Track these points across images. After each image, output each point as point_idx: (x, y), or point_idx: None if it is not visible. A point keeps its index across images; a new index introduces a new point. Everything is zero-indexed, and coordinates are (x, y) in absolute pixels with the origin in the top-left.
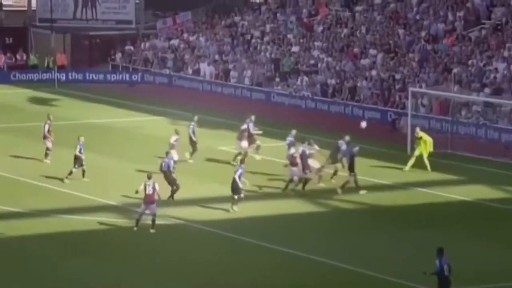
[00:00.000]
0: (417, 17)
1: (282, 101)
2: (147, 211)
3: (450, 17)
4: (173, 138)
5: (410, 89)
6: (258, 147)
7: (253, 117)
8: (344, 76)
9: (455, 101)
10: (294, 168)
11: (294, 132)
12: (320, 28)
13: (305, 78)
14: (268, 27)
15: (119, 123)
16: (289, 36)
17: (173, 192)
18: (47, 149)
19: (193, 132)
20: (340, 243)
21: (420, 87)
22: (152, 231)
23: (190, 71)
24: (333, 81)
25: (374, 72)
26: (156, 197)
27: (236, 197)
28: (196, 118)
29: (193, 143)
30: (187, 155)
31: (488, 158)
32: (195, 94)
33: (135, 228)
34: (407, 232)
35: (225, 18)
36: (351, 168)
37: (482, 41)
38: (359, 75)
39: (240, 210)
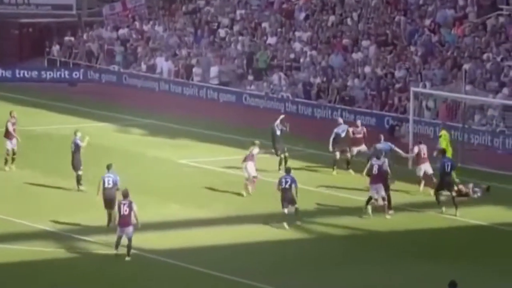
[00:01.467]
0: (420, 1)
1: (256, 103)
2: (123, 235)
3: (461, 1)
4: (255, 151)
5: (412, 89)
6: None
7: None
8: (332, 73)
9: (466, 104)
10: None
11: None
12: (302, 15)
13: (284, 76)
14: (238, 13)
15: (57, 130)
16: (265, 24)
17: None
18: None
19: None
20: (327, 277)
21: (424, 86)
22: (127, 259)
23: (143, 67)
24: (318, 80)
25: (368, 69)
26: (133, 219)
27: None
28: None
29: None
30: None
31: (506, 173)
32: (149, 95)
33: (115, 251)
34: (407, 263)
35: (186, 2)
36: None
37: (500, 30)
38: (350, 72)
39: (206, 237)
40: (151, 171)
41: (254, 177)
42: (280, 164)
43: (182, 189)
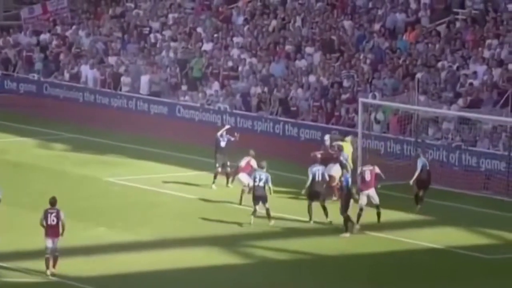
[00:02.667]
0: (369, 4)
1: (191, 116)
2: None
3: (413, 5)
4: (250, 161)
5: (361, 99)
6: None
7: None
8: (274, 83)
9: (419, 116)
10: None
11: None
12: (241, 19)
13: (219, 86)
14: (171, 17)
15: None
16: (200, 29)
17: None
18: None
19: None
20: None
21: (374, 97)
22: (53, 271)
23: (66, 76)
24: (258, 90)
25: (312, 78)
26: (60, 229)
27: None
28: None
29: None
30: None
31: (463, 191)
32: (73, 106)
33: (48, 273)
34: None
35: (113, 5)
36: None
37: (455, 36)
38: (293, 82)
39: (133, 263)
40: (75, 191)
41: (244, 186)
42: (227, 180)
43: (109, 210)
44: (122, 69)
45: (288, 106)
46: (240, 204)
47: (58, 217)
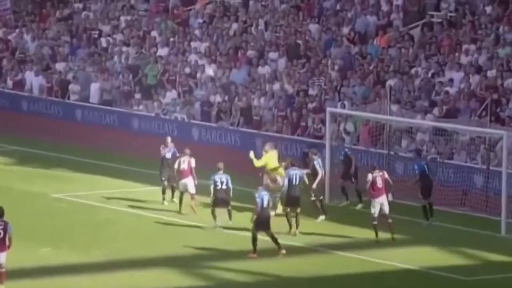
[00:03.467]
0: (337, 6)
1: (146, 127)
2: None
3: (384, 7)
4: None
5: (329, 109)
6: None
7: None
8: (235, 91)
9: (392, 126)
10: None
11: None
12: (199, 22)
13: (176, 94)
14: (123, 20)
15: None
16: (154, 33)
17: None
18: None
19: None
20: None
21: (343, 106)
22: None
23: (9, 83)
24: (218, 98)
25: (276, 86)
26: (7, 242)
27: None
28: None
29: None
30: None
31: (439, 208)
32: (17, 116)
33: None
34: None
35: (60, 7)
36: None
37: (430, 41)
38: (256, 90)
39: (81, 285)
40: (19, 208)
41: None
42: (173, 194)
43: (56, 229)
44: (70, 76)
45: (250, 116)
46: (180, 211)
47: (5, 229)
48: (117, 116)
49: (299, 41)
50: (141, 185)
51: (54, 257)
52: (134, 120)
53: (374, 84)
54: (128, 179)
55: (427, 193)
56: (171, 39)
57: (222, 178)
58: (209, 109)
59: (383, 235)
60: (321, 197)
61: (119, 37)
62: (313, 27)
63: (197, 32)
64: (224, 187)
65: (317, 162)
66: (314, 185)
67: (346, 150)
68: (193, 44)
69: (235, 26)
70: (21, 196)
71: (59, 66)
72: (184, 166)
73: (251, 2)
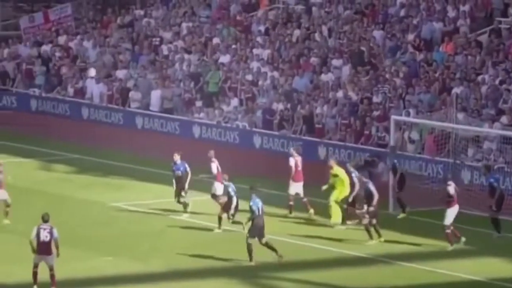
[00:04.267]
0: (402, 12)
1: (206, 135)
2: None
3: (451, 13)
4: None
5: (393, 117)
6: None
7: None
8: (297, 98)
9: (458, 135)
10: None
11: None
12: (261, 29)
13: (238, 101)
14: (184, 27)
15: None
16: (216, 40)
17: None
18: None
19: None
20: None
21: (408, 115)
22: None
23: (70, 91)
24: (280, 106)
25: (340, 93)
26: (53, 247)
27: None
28: None
29: None
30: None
31: (508, 218)
32: (77, 124)
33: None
34: None
35: (122, 13)
36: None
37: (497, 47)
38: (319, 97)
39: None
40: (78, 217)
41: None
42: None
43: (115, 238)
44: (131, 84)
45: (313, 124)
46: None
47: (51, 233)
48: (178, 124)
49: (363, 48)
50: (203, 194)
51: (114, 267)
52: (195, 128)
53: (440, 91)
54: (189, 188)
55: (500, 206)
56: (233, 46)
57: (234, 188)
58: (271, 117)
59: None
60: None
61: (180, 44)
62: (377, 33)
63: (259, 39)
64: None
65: (354, 174)
66: (350, 198)
67: (395, 161)
68: (255, 51)
69: (297, 32)
70: (79, 205)
71: (120, 73)
72: (214, 169)
73: (314, 9)
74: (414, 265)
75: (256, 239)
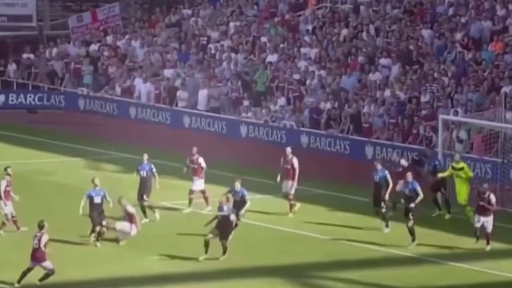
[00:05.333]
0: (450, 11)
1: (254, 134)
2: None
3: (500, 11)
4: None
5: (441, 116)
6: None
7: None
8: (345, 97)
9: (506, 134)
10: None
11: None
12: (309, 28)
13: (285, 101)
14: (232, 26)
15: (14, 166)
16: (264, 39)
17: None
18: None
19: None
20: None
21: (456, 114)
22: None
23: (118, 90)
24: (328, 105)
25: (387, 92)
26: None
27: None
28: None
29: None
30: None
31: None
32: (125, 123)
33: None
34: None
35: (169, 12)
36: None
37: None
38: (366, 97)
39: None
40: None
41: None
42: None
43: (163, 237)
44: (178, 83)
45: (360, 123)
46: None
47: (40, 241)
48: (226, 123)
49: (411, 47)
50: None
51: (161, 266)
52: (243, 127)
53: (488, 90)
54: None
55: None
56: (281, 45)
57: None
58: (318, 116)
59: (493, 244)
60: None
61: (227, 43)
62: (426, 32)
63: (306, 38)
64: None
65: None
66: (387, 196)
67: (437, 162)
68: (302, 50)
69: (345, 31)
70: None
71: (168, 72)
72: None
73: (361, 7)
74: (462, 265)
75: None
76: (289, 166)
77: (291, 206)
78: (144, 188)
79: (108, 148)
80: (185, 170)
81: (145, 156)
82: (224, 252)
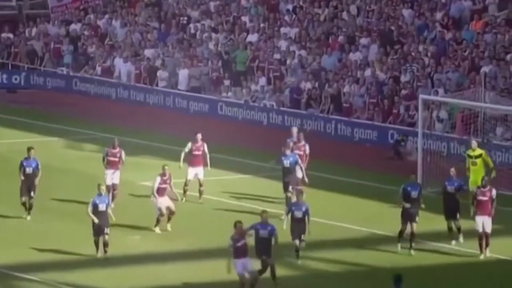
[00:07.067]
0: None
1: (234, 114)
2: None
3: None
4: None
5: (421, 96)
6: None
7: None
8: (325, 77)
9: (486, 114)
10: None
11: None
12: (289, 8)
13: (266, 81)
14: (212, 5)
15: None
16: (244, 19)
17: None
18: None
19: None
20: None
21: (436, 94)
22: None
23: (98, 70)
24: (308, 85)
25: (368, 72)
26: None
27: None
28: None
29: None
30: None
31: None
32: (105, 103)
33: None
34: None
35: None
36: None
37: None
38: (347, 76)
39: (173, 274)
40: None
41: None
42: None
43: (146, 218)
44: (158, 63)
45: (340, 103)
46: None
47: None
48: (206, 103)
49: (392, 27)
50: (230, 173)
51: (141, 246)
52: (223, 107)
53: (468, 70)
54: (217, 167)
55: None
56: (261, 25)
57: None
58: (299, 96)
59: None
60: None
61: (208, 22)
62: (406, 12)
63: (287, 17)
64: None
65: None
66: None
67: (463, 184)
68: (283, 29)
69: (326, 11)
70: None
71: (148, 52)
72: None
73: None
74: (445, 245)
75: None
76: (301, 152)
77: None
78: (29, 183)
79: (89, 127)
80: (182, 162)
81: (32, 151)
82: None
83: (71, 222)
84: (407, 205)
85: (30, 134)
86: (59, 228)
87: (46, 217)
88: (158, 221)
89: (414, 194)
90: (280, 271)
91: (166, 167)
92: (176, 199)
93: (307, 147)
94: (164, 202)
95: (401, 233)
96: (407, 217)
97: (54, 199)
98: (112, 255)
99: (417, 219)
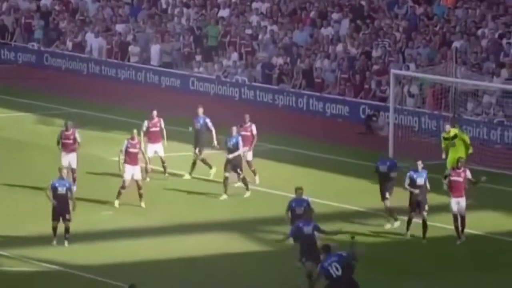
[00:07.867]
0: None
1: (206, 89)
2: None
3: None
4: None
5: (393, 71)
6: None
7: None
8: (297, 52)
9: (458, 89)
10: None
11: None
12: None
13: (237, 56)
14: None
15: None
16: None
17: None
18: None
19: None
20: None
21: (407, 69)
22: None
23: (69, 45)
24: (280, 60)
25: (340, 47)
26: None
27: None
28: None
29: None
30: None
31: (505, 172)
32: (76, 78)
33: None
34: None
35: None
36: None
37: (497, 1)
38: (318, 52)
39: (140, 250)
40: (78, 172)
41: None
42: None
43: (114, 193)
44: (130, 38)
45: (312, 79)
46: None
47: None
48: (178, 78)
49: (363, 2)
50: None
51: (114, 221)
52: (195, 83)
53: (439, 45)
54: (188, 143)
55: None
56: (233, 0)
57: None
58: (270, 72)
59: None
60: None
61: None
62: None
63: None
64: None
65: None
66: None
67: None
68: (254, 4)
69: None
70: (80, 159)
71: (119, 27)
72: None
73: None
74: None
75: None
76: (248, 133)
77: (254, 173)
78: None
79: (59, 103)
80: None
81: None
82: None
83: (40, 197)
84: (416, 191)
85: (0, 109)
86: (28, 204)
87: (16, 193)
88: (119, 193)
89: (420, 180)
90: (251, 246)
91: (134, 131)
92: (147, 163)
93: (253, 127)
94: (130, 171)
95: (409, 221)
96: (415, 205)
97: (24, 175)
98: (84, 231)
99: (426, 207)
